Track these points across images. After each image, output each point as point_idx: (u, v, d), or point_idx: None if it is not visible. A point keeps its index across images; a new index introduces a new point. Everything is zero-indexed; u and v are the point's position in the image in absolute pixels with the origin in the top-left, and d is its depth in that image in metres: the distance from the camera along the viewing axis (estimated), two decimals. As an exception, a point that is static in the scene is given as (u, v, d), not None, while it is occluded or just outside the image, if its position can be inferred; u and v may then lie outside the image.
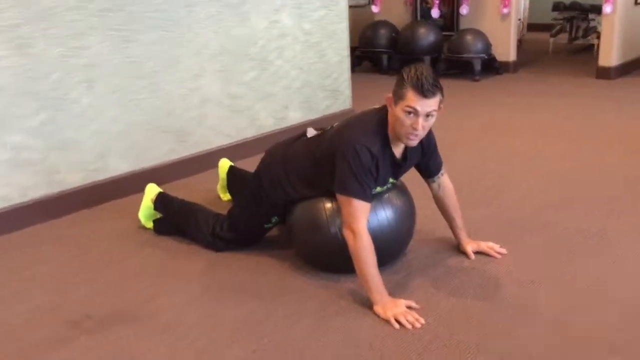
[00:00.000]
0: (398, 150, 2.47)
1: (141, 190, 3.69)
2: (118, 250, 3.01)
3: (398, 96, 2.28)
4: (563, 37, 8.89)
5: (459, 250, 2.80)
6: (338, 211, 2.49)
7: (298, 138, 2.73)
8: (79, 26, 3.33)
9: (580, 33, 8.71)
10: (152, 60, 3.70)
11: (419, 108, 2.24)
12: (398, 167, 2.51)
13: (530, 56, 8.30)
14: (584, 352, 2.04)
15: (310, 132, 2.71)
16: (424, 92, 2.21)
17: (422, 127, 2.27)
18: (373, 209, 2.48)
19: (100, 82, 3.48)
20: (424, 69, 2.25)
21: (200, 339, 2.24)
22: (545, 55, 8.59)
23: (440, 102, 2.30)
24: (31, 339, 2.29)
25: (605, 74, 6.75)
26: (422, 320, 2.25)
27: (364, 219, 2.36)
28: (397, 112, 2.29)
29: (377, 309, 2.32)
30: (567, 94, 6.13)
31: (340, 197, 2.39)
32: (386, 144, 2.41)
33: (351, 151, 2.34)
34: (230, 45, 4.13)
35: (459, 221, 2.79)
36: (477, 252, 2.76)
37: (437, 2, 7.57)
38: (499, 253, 2.75)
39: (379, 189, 2.51)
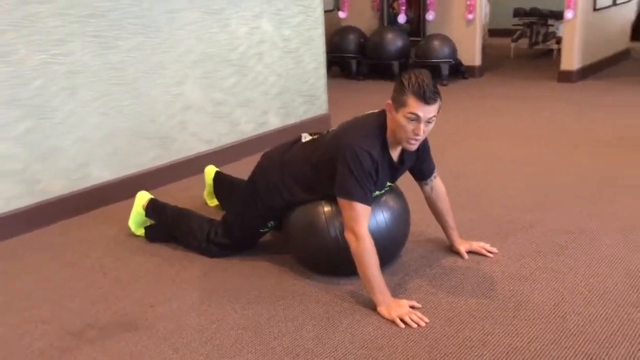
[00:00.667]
0: (395, 154, 2.52)
1: (125, 197, 3.68)
2: (110, 258, 2.97)
3: (399, 103, 2.33)
4: (523, 42, 9.12)
5: (451, 250, 2.87)
6: (337, 214, 2.52)
7: (294, 143, 2.75)
8: (61, 32, 3.29)
9: (540, 38, 8.96)
10: (134, 66, 3.67)
11: (420, 114, 2.30)
12: (395, 170, 2.56)
13: (493, 61, 8.49)
14: (587, 347, 2.12)
15: (305, 137, 2.74)
16: (425, 99, 2.28)
17: (423, 132, 2.33)
18: (372, 212, 2.53)
19: (82, 89, 3.43)
20: (424, 75, 2.31)
21: (206, 346, 2.23)
22: (507, 59, 8.81)
23: (439, 107, 2.36)
24: (31, 351, 2.26)
25: (566, 77, 6.97)
26: (426, 319, 2.31)
27: (365, 222, 2.40)
28: (398, 118, 2.34)
29: (381, 309, 2.36)
30: (532, 98, 6.30)
31: (342, 201, 2.42)
32: (385, 148, 2.46)
33: (352, 155, 2.38)
34: (212, 52, 4.13)
35: (451, 222, 2.86)
36: (469, 252, 2.83)
37: (404, 8, 7.70)
38: (490, 252, 2.83)
39: (377, 192, 2.56)
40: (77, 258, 2.99)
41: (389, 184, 2.61)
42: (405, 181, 2.78)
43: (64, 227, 3.37)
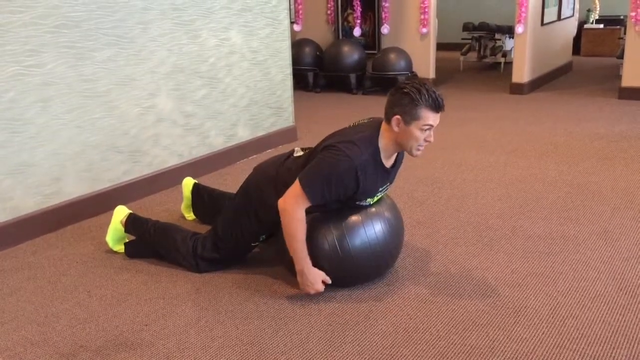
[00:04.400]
0: (390, 161, 2.55)
1: (98, 213, 3.57)
2: (91, 276, 2.86)
3: (411, 117, 2.37)
4: (472, 56, 9.39)
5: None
6: (333, 227, 2.54)
7: (287, 157, 2.73)
8: (34, 43, 3.16)
9: (488, 52, 9.23)
10: (107, 78, 3.56)
11: (434, 123, 2.39)
12: (388, 173, 2.59)
13: (444, 73, 8.67)
14: (592, 349, 2.18)
15: (297, 152, 2.73)
16: (440, 108, 2.38)
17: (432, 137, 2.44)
18: (370, 222, 2.54)
19: (56, 101, 3.31)
20: (428, 85, 2.38)
21: (210, 363, 2.18)
22: (457, 72, 9.03)
23: None
24: (24, 375, 2.15)
25: (518, 89, 7.19)
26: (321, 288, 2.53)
27: (302, 209, 2.46)
28: (411, 130, 2.40)
29: (298, 278, 2.54)
30: (489, 109, 6.47)
31: (297, 184, 2.46)
32: (376, 157, 2.48)
33: (333, 157, 2.41)
34: (183, 63, 4.06)
35: None
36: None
37: (359, 21, 7.79)
38: None
39: (369, 200, 2.57)
40: (57, 277, 2.87)
41: (381, 189, 2.62)
42: (395, 192, 2.80)
43: (36, 245, 3.23)
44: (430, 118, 2.37)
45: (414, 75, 7.39)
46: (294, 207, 2.45)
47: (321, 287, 2.53)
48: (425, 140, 2.43)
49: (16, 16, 3.07)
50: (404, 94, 2.37)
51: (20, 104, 3.15)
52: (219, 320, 2.45)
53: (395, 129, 2.41)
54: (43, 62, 3.22)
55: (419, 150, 2.46)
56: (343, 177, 2.41)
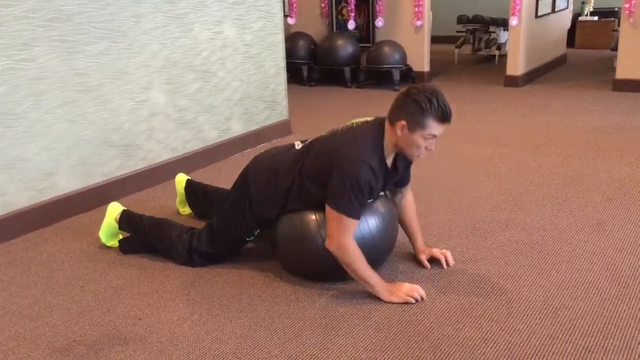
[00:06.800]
0: (389, 162, 2.54)
1: (91, 208, 3.56)
2: (86, 271, 2.86)
3: (417, 124, 2.35)
4: (467, 49, 9.38)
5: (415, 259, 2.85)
6: (325, 223, 2.52)
7: (287, 150, 2.72)
8: (26, 37, 3.14)
9: (483, 44, 9.23)
10: (99, 72, 3.54)
11: (438, 133, 2.39)
12: (391, 178, 2.59)
13: (439, 66, 8.66)
14: (584, 340, 2.19)
15: (298, 145, 2.72)
16: (447, 121, 2.37)
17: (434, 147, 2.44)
18: (364, 217, 2.52)
19: (48, 96, 3.29)
20: (440, 95, 2.36)
21: (205, 357, 2.17)
22: (452, 65, 9.03)
23: None
24: (17, 370, 2.14)
25: (512, 82, 7.20)
26: (424, 294, 2.48)
27: (351, 234, 2.42)
28: (414, 138, 2.38)
29: (387, 297, 2.46)
30: (483, 102, 6.47)
31: (331, 212, 2.41)
32: (382, 159, 2.47)
33: (354, 170, 2.37)
34: (176, 57, 4.04)
35: (416, 229, 2.83)
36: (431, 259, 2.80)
37: (353, 14, 7.77)
38: (447, 263, 2.75)
39: (369, 200, 2.56)
40: (50, 272, 2.86)
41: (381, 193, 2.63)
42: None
43: (29, 240, 3.22)
44: (435, 128, 2.36)
45: (408, 68, 7.37)
46: (344, 239, 2.40)
47: (415, 292, 2.46)
48: (427, 149, 2.42)
49: (7, 10, 3.05)
50: (414, 101, 2.34)
51: (12, 98, 3.14)
52: (212, 313, 2.45)
53: (399, 133, 2.39)
54: (35, 56, 3.20)
55: (419, 156, 2.48)
56: (368, 184, 2.40)
